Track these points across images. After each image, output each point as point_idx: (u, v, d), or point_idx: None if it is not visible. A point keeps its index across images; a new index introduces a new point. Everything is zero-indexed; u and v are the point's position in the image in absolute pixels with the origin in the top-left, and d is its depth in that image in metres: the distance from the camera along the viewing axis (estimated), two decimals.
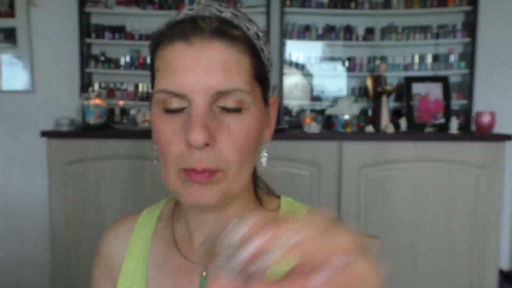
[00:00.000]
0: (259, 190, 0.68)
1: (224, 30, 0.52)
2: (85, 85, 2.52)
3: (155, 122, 0.54)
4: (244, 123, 0.53)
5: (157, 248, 0.64)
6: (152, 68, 0.57)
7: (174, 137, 0.52)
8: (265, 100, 0.59)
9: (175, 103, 0.52)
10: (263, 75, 0.57)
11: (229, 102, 0.52)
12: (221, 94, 0.51)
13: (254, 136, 0.55)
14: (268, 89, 0.60)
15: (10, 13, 2.52)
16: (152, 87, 0.58)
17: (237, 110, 0.53)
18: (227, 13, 0.55)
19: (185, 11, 0.56)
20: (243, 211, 0.63)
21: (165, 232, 0.65)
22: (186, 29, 0.52)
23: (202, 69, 0.50)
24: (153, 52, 0.56)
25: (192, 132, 0.49)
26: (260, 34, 0.58)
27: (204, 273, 0.60)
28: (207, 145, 0.51)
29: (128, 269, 0.64)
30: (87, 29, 2.55)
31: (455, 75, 2.59)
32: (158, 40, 0.55)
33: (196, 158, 0.51)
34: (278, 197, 0.69)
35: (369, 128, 2.24)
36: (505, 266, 2.63)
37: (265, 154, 0.62)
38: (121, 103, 2.57)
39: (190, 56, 0.51)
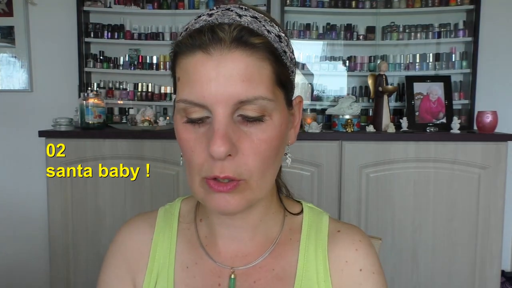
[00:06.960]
0: (281, 193, 0.69)
1: (244, 39, 0.51)
2: (84, 85, 2.51)
3: (178, 130, 0.55)
4: (266, 132, 0.53)
5: (183, 249, 0.65)
6: (173, 75, 0.57)
7: (197, 146, 0.53)
8: (289, 102, 0.59)
9: (197, 113, 0.53)
10: (286, 79, 0.56)
11: (251, 111, 0.52)
12: (242, 103, 0.51)
13: (276, 143, 0.55)
14: (292, 91, 0.59)
15: (8, 12, 2.51)
16: (175, 93, 0.58)
17: (259, 119, 0.52)
18: (247, 18, 0.53)
19: (204, 17, 0.55)
20: (267, 213, 0.64)
21: (188, 233, 0.66)
22: (205, 39, 0.51)
23: (222, 80, 0.50)
24: (174, 60, 0.56)
25: (214, 144, 0.49)
26: (282, 35, 0.57)
27: (232, 276, 0.61)
28: (229, 155, 0.51)
29: (153, 268, 0.64)
30: (85, 28, 2.53)
31: (456, 74, 2.56)
32: (178, 49, 0.54)
33: (218, 167, 0.51)
34: (298, 201, 0.70)
35: (370, 128, 2.22)
36: (507, 267, 2.61)
37: (289, 154, 0.63)
38: (120, 102, 2.55)
39: (210, 67, 0.50)
